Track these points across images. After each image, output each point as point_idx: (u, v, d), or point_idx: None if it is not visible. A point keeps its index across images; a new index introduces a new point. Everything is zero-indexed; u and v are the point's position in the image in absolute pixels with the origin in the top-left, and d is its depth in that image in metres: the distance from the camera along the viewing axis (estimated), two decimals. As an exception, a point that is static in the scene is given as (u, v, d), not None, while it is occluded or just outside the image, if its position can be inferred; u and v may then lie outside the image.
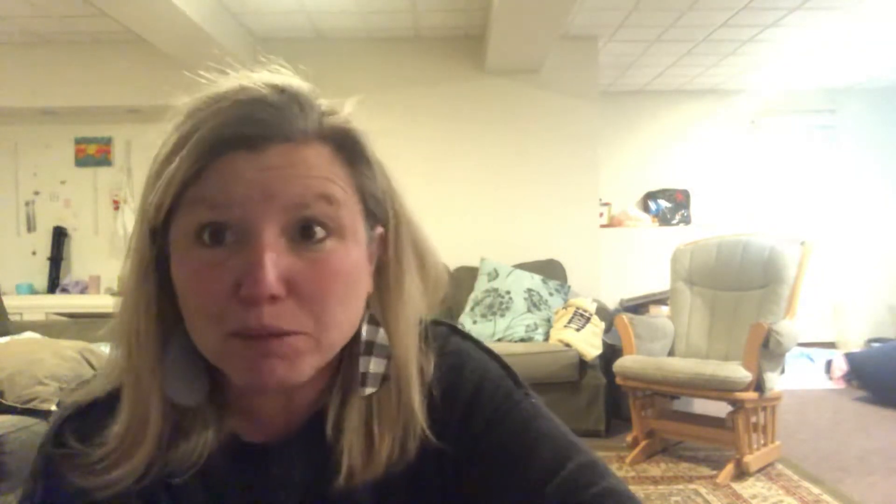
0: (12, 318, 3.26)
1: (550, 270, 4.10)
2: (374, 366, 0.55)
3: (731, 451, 2.82)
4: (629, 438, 3.05)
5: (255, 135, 0.47)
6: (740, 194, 5.90)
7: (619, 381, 3.01)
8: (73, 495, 0.53)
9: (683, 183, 5.90)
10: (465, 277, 4.10)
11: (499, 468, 0.54)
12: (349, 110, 0.54)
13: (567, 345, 3.38)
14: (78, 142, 4.80)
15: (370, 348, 0.55)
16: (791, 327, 2.85)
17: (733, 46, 4.72)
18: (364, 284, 0.54)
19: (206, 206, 0.47)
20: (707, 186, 5.89)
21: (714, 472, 2.78)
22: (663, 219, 5.80)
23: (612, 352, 3.33)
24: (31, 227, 4.82)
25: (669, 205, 5.85)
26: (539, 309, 3.79)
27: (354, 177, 0.52)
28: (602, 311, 3.68)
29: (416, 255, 0.58)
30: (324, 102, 0.52)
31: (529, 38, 3.90)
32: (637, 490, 2.61)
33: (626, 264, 5.32)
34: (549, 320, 3.74)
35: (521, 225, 4.48)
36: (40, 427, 2.11)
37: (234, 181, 0.47)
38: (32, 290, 4.68)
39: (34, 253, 4.80)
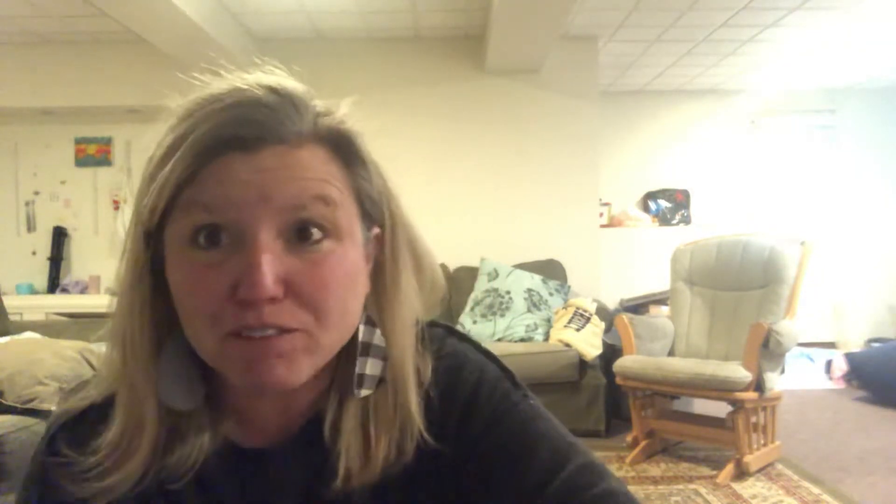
0: (12, 318, 3.26)
1: (550, 270, 4.10)
2: (371, 367, 0.55)
3: (731, 451, 2.82)
4: (629, 438, 3.05)
5: (250, 136, 0.47)
6: (740, 194, 5.90)
7: (619, 381, 3.01)
8: (69, 503, 0.52)
9: (683, 183, 5.90)
10: (465, 277, 4.10)
11: (497, 470, 0.54)
12: (345, 111, 0.53)
13: (567, 345, 3.38)
14: (78, 142, 4.80)
15: (367, 349, 0.55)
16: (791, 327, 2.85)
17: (733, 46, 4.72)
18: (362, 285, 0.54)
19: (201, 209, 0.47)
20: (707, 186, 5.89)
21: (714, 472, 2.78)
22: (663, 219, 5.80)
23: (612, 352, 3.33)
24: (31, 227, 4.82)
25: (669, 205, 5.85)
26: (539, 309, 3.79)
27: (350, 178, 0.52)
28: (602, 311, 3.68)
29: (412, 255, 0.58)
30: (319, 103, 0.52)
31: (529, 38, 3.90)
32: (637, 490, 2.61)
33: (626, 264, 5.32)
34: (549, 320, 3.74)
35: (521, 225, 4.48)
36: (40, 427, 2.11)
37: (229, 183, 0.47)
38: (32, 290, 4.68)
39: (34, 253, 4.80)
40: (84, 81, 4.44)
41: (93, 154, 4.80)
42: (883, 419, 3.65)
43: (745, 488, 2.62)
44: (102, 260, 4.71)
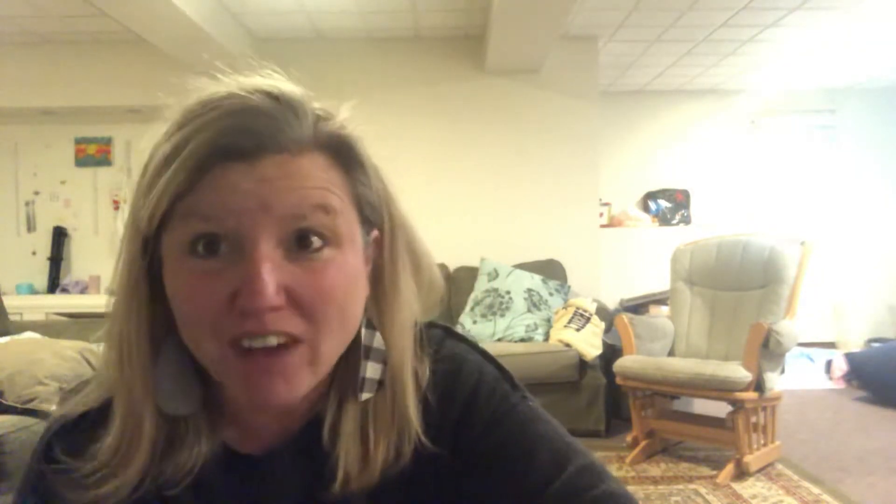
0: (12, 318, 3.25)
1: (550, 270, 4.10)
2: (371, 371, 0.54)
3: (731, 451, 2.82)
4: (629, 438, 3.05)
5: (249, 146, 0.46)
6: (740, 194, 5.90)
7: (619, 381, 3.01)
8: None
9: (683, 183, 5.90)
10: (465, 277, 4.10)
11: (497, 472, 0.54)
12: (345, 115, 0.53)
13: (567, 345, 3.38)
14: (78, 142, 4.80)
15: (367, 353, 0.54)
16: (791, 327, 2.85)
17: (733, 46, 4.72)
18: (362, 290, 0.53)
19: (200, 218, 0.46)
20: (707, 186, 5.89)
21: (714, 472, 2.78)
22: (663, 219, 5.80)
23: (612, 352, 3.33)
24: (31, 227, 4.82)
25: (669, 205, 5.85)
26: (539, 309, 3.79)
27: (350, 184, 0.51)
28: (602, 311, 3.68)
29: (410, 257, 0.57)
30: (318, 107, 0.51)
31: (529, 38, 3.89)
32: (637, 490, 2.61)
33: (626, 264, 5.32)
34: (549, 320, 3.74)
35: (521, 225, 4.48)
36: (40, 427, 2.11)
37: (228, 193, 0.46)
38: (32, 290, 4.68)
39: (34, 253, 4.79)
40: (84, 81, 4.44)
41: (93, 154, 4.80)
42: (883, 419, 3.65)
43: (745, 488, 2.62)
44: (102, 260, 4.71)
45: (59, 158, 4.80)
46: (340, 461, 0.53)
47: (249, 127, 0.47)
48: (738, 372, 2.67)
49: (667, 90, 5.81)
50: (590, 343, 3.38)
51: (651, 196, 5.90)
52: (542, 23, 3.64)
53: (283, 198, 0.47)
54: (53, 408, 2.18)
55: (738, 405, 2.70)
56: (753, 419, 2.79)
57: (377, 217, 0.55)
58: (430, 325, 0.62)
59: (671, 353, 3.26)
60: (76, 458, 0.53)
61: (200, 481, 0.54)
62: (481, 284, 3.96)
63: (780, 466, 2.86)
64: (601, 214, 5.25)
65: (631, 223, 5.61)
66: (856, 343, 5.63)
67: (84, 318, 3.42)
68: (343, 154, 0.51)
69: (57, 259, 4.73)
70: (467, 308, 3.91)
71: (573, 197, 4.50)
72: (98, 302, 4.33)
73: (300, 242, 0.48)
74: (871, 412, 3.81)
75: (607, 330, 3.50)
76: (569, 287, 4.03)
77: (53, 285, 4.69)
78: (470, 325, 3.80)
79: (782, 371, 2.91)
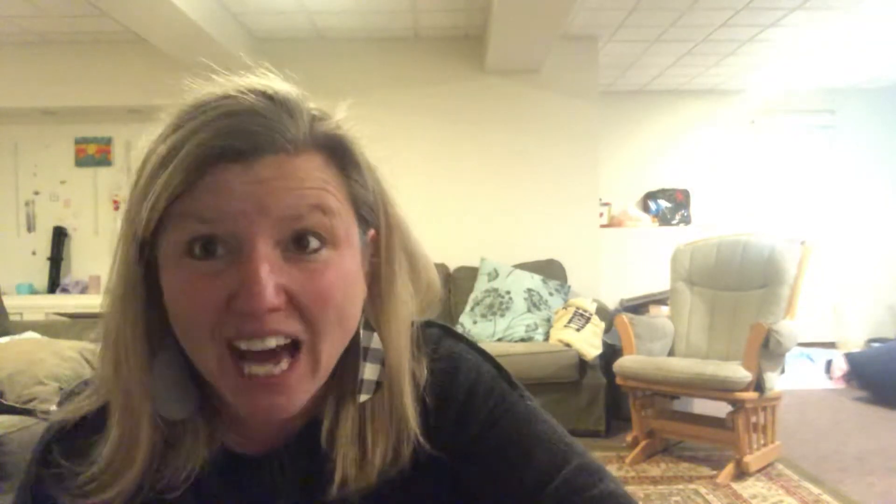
0: (12, 318, 3.26)
1: (550, 270, 4.10)
2: (369, 372, 0.54)
3: (731, 451, 2.82)
4: (629, 438, 3.05)
5: (245, 147, 0.46)
6: (740, 194, 5.90)
7: (619, 381, 3.01)
8: None
9: (683, 183, 5.91)
10: (465, 277, 4.10)
11: (495, 472, 0.54)
12: (341, 115, 0.53)
13: (567, 345, 3.38)
14: (78, 142, 4.80)
15: (365, 354, 0.54)
16: (791, 327, 2.85)
17: (733, 46, 4.72)
18: (359, 291, 0.53)
19: (196, 221, 0.46)
20: (707, 186, 5.89)
21: (714, 472, 2.78)
22: (663, 219, 5.80)
23: (612, 352, 3.33)
24: (31, 227, 4.82)
25: (669, 205, 5.85)
26: (539, 309, 3.79)
27: (347, 183, 0.51)
28: (602, 311, 3.68)
29: (407, 257, 0.57)
30: (314, 107, 0.51)
31: (529, 38, 3.89)
32: (637, 490, 2.61)
33: (626, 264, 5.32)
34: (549, 320, 3.74)
35: (521, 225, 4.48)
36: (40, 427, 2.11)
37: (225, 195, 0.46)
38: (32, 290, 4.68)
39: (34, 253, 4.79)
40: (84, 81, 4.44)
41: (93, 154, 4.80)
42: (883, 419, 3.65)
43: (745, 488, 2.62)
44: (102, 260, 4.71)
45: (59, 158, 4.80)
46: (338, 463, 0.52)
47: (245, 128, 0.46)
48: (738, 372, 2.67)
49: (667, 90, 5.81)
50: (590, 343, 3.38)
51: (651, 196, 5.90)
52: (542, 23, 3.64)
53: (280, 199, 0.46)
54: (53, 408, 2.17)
55: (738, 405, 2.70)
56: (753, 419, 2.79)
57: (374, 217, 0.54)
58: (428, 324, 0.61)
59: (671, 353, 3.26)
60: (74, 462, 0.52)
61: (200, 484, 0.54)
62: (481, 284, 3.96)
63: (780, 466, 2.86)
64: (601, 214, 5.25)
65: (631, 223, 5.61)
66: (856, 343, 5.63)
67: (84, 318, 3.42)
68: (339, 154, 0.51)
69: (57, 259, 4.73)
70: (467, 308, 3.91)
71: (573, 197, 4.50)
72: (98, 302, 4.31)
73: (298, 243, 0.48)
74: (871, 412, 3.81)
75: (607, 330, 3.50)
76: (569, 287, 4.03)
77: (53, 285, 4.69)
78: (470, 325, 3.80)
79: (782, 371, 2.91)
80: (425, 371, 0.57)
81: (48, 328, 3.01)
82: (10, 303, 3.51)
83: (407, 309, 0.56)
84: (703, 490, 2.61)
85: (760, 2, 3.90)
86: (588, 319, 3.50)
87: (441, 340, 0.60)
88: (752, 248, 3.17)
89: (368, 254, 0.55)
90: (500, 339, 3.67)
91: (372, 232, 0.55)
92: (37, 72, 4.45)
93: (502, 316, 3.76)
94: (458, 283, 4.10)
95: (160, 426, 0.52)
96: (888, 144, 5.97)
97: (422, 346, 0.59)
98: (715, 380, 2.69)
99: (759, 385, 2.72)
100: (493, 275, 3.96)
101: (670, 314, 3.40)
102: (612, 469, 2.85)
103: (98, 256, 4.76)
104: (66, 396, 0.60)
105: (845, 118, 5.95)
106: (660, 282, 4.29)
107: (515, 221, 4.48)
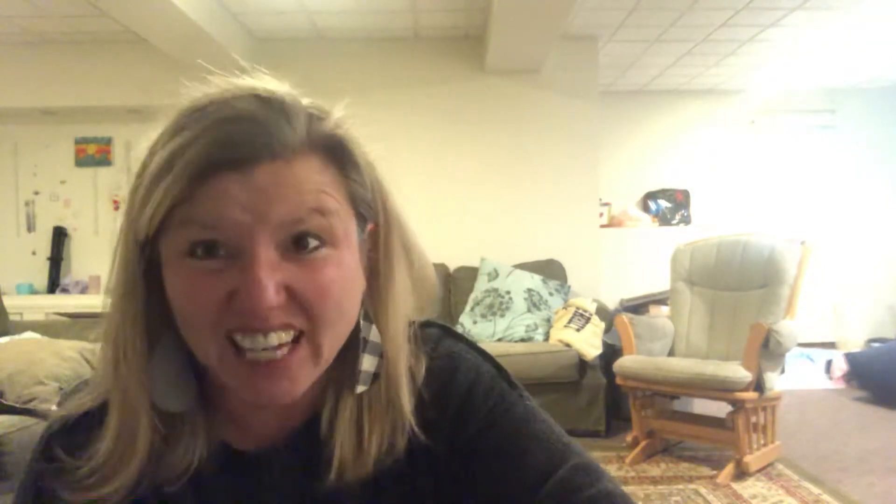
0: (12, 318, 3.25)
1: (550, 270, 4.10)
2: (367, 363, 0.55)
3: (731, 451, 2.82)
4: (629, 438, 3.05)
5: (242, 157, 0.47)
6: (740, 194, 5.90)
7: (619, 381, 3.01)
8: None
9: (683, 183, 5.90)
10: (465, 277, 4.10)
11: (492, 470, 0.54)
12: (339, 115, 0.53)
13: (567, 345, 3.38)
14: (78, 142, 4.80)
15: (364, 345, 0.55)
16: (791, 327, 2.85)
17: (733, 46, 4.72)
18: (358, 285, 0.54)
19: (198, 226, 0.47)
20: (707, 186, 5.89)
21: (714, 472, 2.78)
22: (663, 219, 5.80)
23: (612, 352, 3.33)
24: (31, 227, 4.82)
25: (669, 205, 5.85)
26: (539, 309, 3.79)
27: (345, 183, 0.52)
28: (602, 311, 3.68)
29: (405, 252, 0.58)
30: (311, 107, 0.52)
31: (529, 38, 3.89)
32: (637, 490, 2.61)
33: (626, 264, 5.32)
34: (549, 320, 3.74)
35: (521, 225, 4.48)
36: (40, 427, 2.11)
37: (224, 203, 0.46)
38: (32, 290, 4.68)
39: (34, 253, 4.79)
40: (84, 81, 4.44)
41: (93, 154, 4.80)
42: (883, 419, 3.65)
43: (745, 488, 2.62)
44: (102, 260, 4.71)
45: (59, 158, 4.80)
46: (336, 450, 0.53)
47: (242, 137, 0.47)
48: (738, 372, 2.67)
49: (667, 90, 5.81)
50: (590, 343, 3.38)
51: (651, 196, 5.90)
52: (542, 23, 3.64)
53: (279, 206, 0.47)
54: (53, 408, 2.18)
55: (738, 405, 2.70)
56: (753, 419, 2.79)
57: (372, 213, 0.55)
58: (428, 324, 0.62)
59: (671, 353, 3.26)
60: (74, 457, 0.53)
61: (199, 479, 0.54)
62: (481, 284, 3.96)
63: (780, 466, 2.86)
64: (601, 214, 5.25)
65: (631, 223, 5.61)
66: (856, 343, 5.62)
67: (84, 318, 3.42)
68: (338, 154, 0.52)
69: (57, 259, 4.73)
70: (467, 308, 3.91)
71: (573, 197, 4.50)
72: (98, 302, 4.30)
73: (297, 244, 0.49)
74: (871, 412, 3.81)
75: (607, 330, 3.51)
76: (569, 287, 4.03)
77: (53, 285, 4.69)
78: (470, 325, 3.80)
79: (782, 371, 2.91)
80: (423, 368, 0.58)
81: (48, 328, 3.01)
82: (10, 303, 3.51)
83: (405, 302, 0.57)
84: (703, 490, 2.61)
85: (760, 2, 3.90)
86: (588, 319, 3.50)
87: (441, 340, 0.61)
88: (752, 248, 3.17)
89: (366, 248, 0.56)
90: (500, 339, 3.67)
91: (370, 226, 0.56)
92: (37, 72, 4.45)
93: (502, 316, 3.76)
94: (458, 283, 4.11)
95: (158, 420, 0.52)
96: (888, 144, 5.97)
97: (420, 345, 0.59)
98: (715, 380, 2.69)
99: (759, 385, 2.72)
100: (493, 275, 3.96)
101: (670, 314, 3.40)
102: (612, 469, 2.85)
103: (98, 256, 4.76)
104: (67, 396, 0.61)
105: (845, 118, 5.95)
106: (660, 282, 4.29)
107: (515, 221, 4.48)
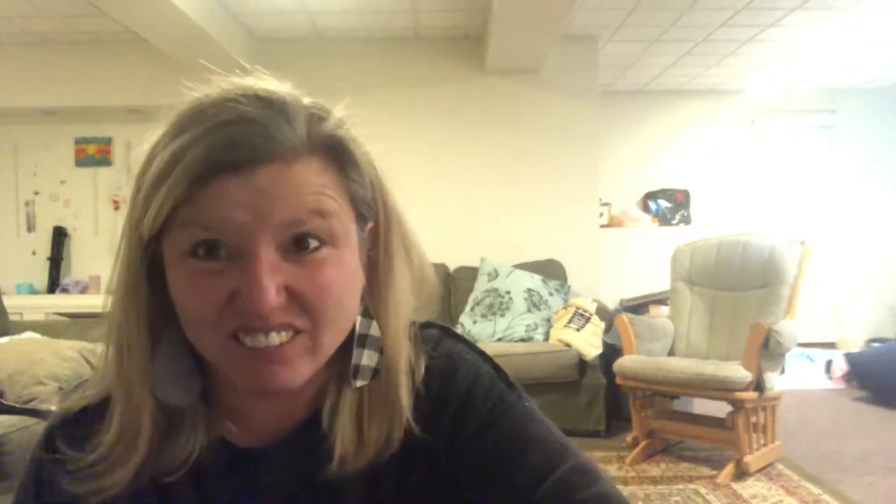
0: (12, 318, 3.25)
1: (550, 270, 4.10)
2: (367, 359, 0.56)
3: (731, 451, 2.82)
4: (629, 438, 3.05)
5: (243, 159, 0.47)
6: (740, 194, 5.90)
7: (619, 381, 3.01)
8: (64, 502, 0.53)
9: (683, 183, 5.91)
10: (465, 277, 4.10)
11: (490, 470, 0.55)
12: (339, 115, 0.53)
13: (567, 345, 3.38)
14: (78, 142, 4.80)
15: (363, 341, 0.56)
16: (791, 327, 2.85)
17: (733, 46, 4.72)
18: (358, 283, 0.54)
19: (200, 227, 0.48)
20: (707, 186, 5.89)
21: (714, 472, 2.78)
22: (663, 219, 5.80)
23: (612, 352, 3.33)
24: (31, 227, 4.82)
25: (669, 205, 5.85)
26: (539, 309, 3.79)
27: (345, 183, 0.52)
28: (602, 311, 3.68)
29: (404, 250, 0.58)
30: (312, 106, 0.52)
31: (529, 38, 3.89)
32: (637, 490, 2.61)
33: (626, 264, 5.32)
34: (549, 320, 3.74)
35: (521, 225, 4.48)
36: (40, 427, 2.11)
37: (226, 205, 0.47)
38: (32, 290, 4.68)
39: (34, 253, 4.79)
40: (84, 81, 4.44)
41: (93, 154, 4.80)
42: (883, 419, 3.65)
43: (745, 488, 2.62)
44: (102, 260, 4.71)
45: (59, 158, 4.80)
46: (337, 444, 0.54)
47: (242, 139, 0.47)
48: (738, 372, 2.67)
49: (667, 90, 5.81)
50: (590, 343, 3.38)
51: (651, 196, 5.90)
52: (542, 23, 3.64)
53: (280, 207, 0.48)
54: (53, 408, 2.18)
55: (738, 405, 2.70)
56: (753, 419, 2.79)
57: (372, 212, 0.56)
58: (428, 325, 0.63)
59: (671, 353, 3.26)
60: (77, 449, 0.54)
61: (199, 474, 0.55)
62: (481, 284, 3.96)
63: (780, 466, 2.86)
64: (601, 214, 5.25)
65: (631, 223, 5.61)
66: (856, 343, 5.63)
67: (84, 318, 3.42)
68: (338, 155, 0.52)
69: (57, 259, 4.73)
70: (467, 308, 3.91)
71: (573, 197, 4.50)
72: (98, 302, 4.30)
73: (297, 245, 0.49)
74: (871, 412, 3.81)
75: (607, 330, 3.50)
76: (569, 287, 4.03)
77: (53, 285, 4.69)
78: (470, 325, 3.80)
79: (782, 371, 2.91)
80: (423, 367, 0.58)
81: (48, 328, 3.01)
82: (10, 303, 3.51)
83: (405, 300, 0.58)
84: (703, 490, 2.61)
85: (760, 2, 3.90)
86: (588, 319, 3.50)
87: (441, 340, 0.61)
88: (752, 248, 3.17)
89: (366, 247, 0.56)
90: (500, 339, 3.67)
91: (370, 225, 0.56)
92: (37, 72, 4.45)
93: (502, 316, 3.76)
94: (458, 283, 4.11)
95: (160, 413, 0.53)
96: (888, 144, 5.97)
97: (420, 345, 0.60)
98: (715, 380, 2.69)
99: (759, 385, 2.72)
100: (493, 275, 3.96)
101: (670, 314, 3.40)
102: (612, 469, 2.85)
103: (98, 256, 4.76)
104: (67, 396, 0.62)
105: (845, 118, 5.95)
106: (660, 282, 4.29)
107: (515, 221, 4.48)
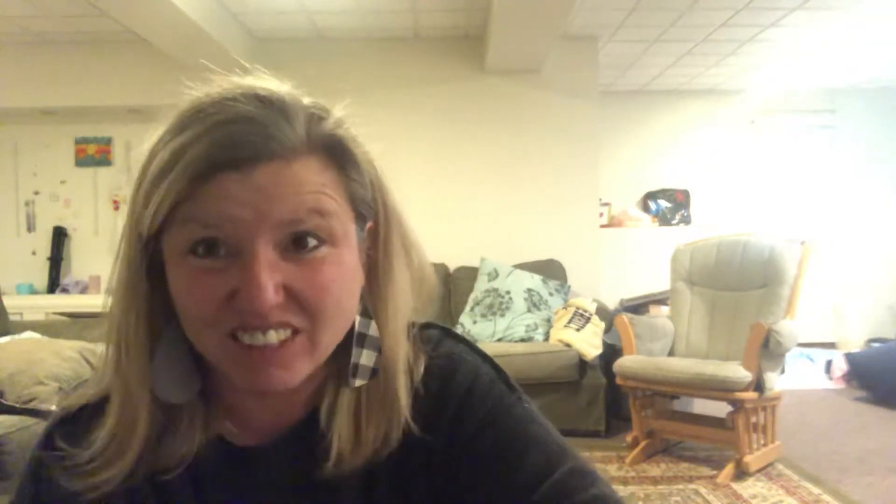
0: (12, 318, 3.25)
1: (550, 270, 4.10)
2: (366, 358, 0.56)
3: (731, 451, 2.82)
4: (629, 438, 3.05)
5: (243, 157, 0.47)
6: (740, 194, 5.90)
7: (619, 381, 3.01)
8: (62, 498, 0.53)
9: (683, 183, 5.91)
10: (465, 277, 4.10)
11: (489, 471, 0.55)
12: (338, 115, 0.53)
13: (567, 345, 3.38)
14: (78, 142, 4.80)
15: (362, 340, 0.56)
16: (791, 327, 2.85)
17: (733, 46, 4.72)
18: (357, 282, 0.55)
19: (200, 225, 0.48)
20: (707, 186, 5.89)
21: (714, 472, 2.78)
22: (663, 219, 5.80)
23: (612, 352, 3.33)
24: (31, 227, 4.82)
25: (669, 205, 5.85)
26: (539, 309, 3.79)
27: (345, 183, 0.52)
28: (602, 311, 3.68)
29: (404, 249, 0.59)
30: (311, 105, 0.52)
31: (529, 38, 3.89)
32: (637, 490, 2.61)
33: (626, 264, 5.32)
34: (549, 320, 3.74)
35: (521, 225, 4.48)
36: (40, 427, 2.11)
37: (225, 202, 0.47)
38: (32, 290, 4.68)
39: (34, 253, 4.79)
40: (84, 81, 4.44)
41: (93, 154, 4.80)
42: (883, 419, 3.65)
43: (745, 488, 2.62)
44: (102, 260, 4.71)
45: (59, 158, 4.80)
46: (334, 442, 0.54)
47: (242, 137, 0.48)
48: (738, 372, 2.67)
49: (667, 90, 5.81)
50: (590, 343, 3.38)
51: (651, 196, 5.90)
52: (542, 23, 3.64)
53: (279, 205, 0.48)
54: (53, 408, 2.18)
55: (738, 405, 2.70)
56: (753, 419, 2.79)
57: (372, 211, 0.56)
58: (429, 326, 0.63)
59: (671, 353, 3.26)
60: (74, 446, 0.54)
61: (197, 472, 0.55)
62: (481, 284, 3.96)
63: (780, 466, 2.86)
64: (601, 214, 5.25)
65: (631, 223, 5.61)
66: (856, 343, 5.63)
67: (84, 318, 3.42)
68: (337, 155, 0.52)
69: (57, 259, 4.73)
70: (467, 308, 3.91)
71: (573, 197, 4.50)
72: (98, 302, 4.30)
73: (296, 244, 0.49)
74: (871, 412, 3.81)
75: (607, 330, 3.50)
76: (569, 287, 4.03)
77: (53, 285, 4.69)
78: (470, 325, 3.80)
79: (782, 371, 2.91)
80: (422, 366, 0.58)
81: (48, 328, 3.01)
82: (10, 303, 3.51)
83: (404, 299, 0.58)
84: (703, 490, 2.61)
85: (760, 2, 3.90)
86: (588, 319, 3.50)
87: (441, 341, 0.61)
88: (752, 248, 3.17)
89: (366, 246, 0.56)
90: (500, 339, 3.67)
91: (370, 224, 0.56)
92: (37, 72, 4.45)
93: (502, 316, 3.76)
94: (458, 283, 4.11)
95: (158, 411, 0.53)
96: (888, 144, 5.97)
97: (419, 345, 0.60)
98: (715, 380, 2.69)
99: (759, 385, 2.72)
100: (493, 275, 3.96)
101: (670, 314, 3.40)
102: (612, 469, 2.85)
103: (98, 256, 4.76)
104: (67, 397, 0.62)
105: (845, 118, 5.95)
106: (660, 282, 4.29)
107: (515, 221, 4.48)
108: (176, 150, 0.48)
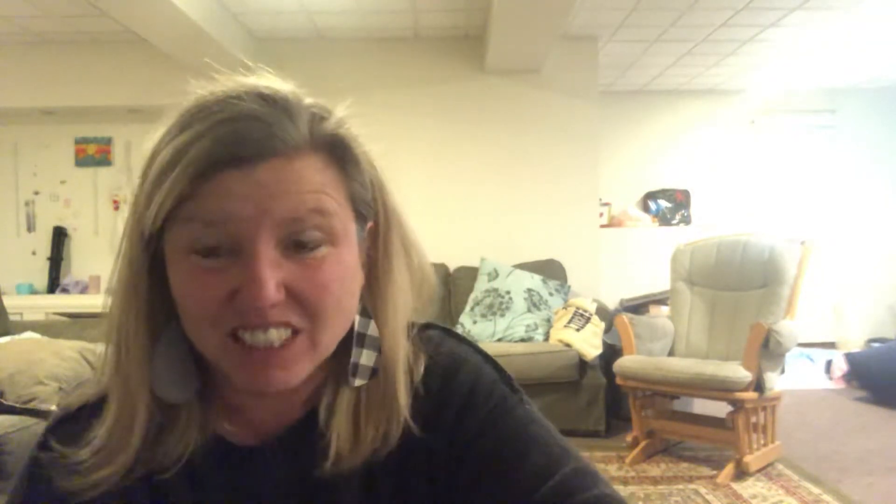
0: (12, 318, 3.25)
1: (550, 270, 4.10)
2: (366, 358, 0.56)
3: (731, 451, 2.82)
4: (629, 438, 3.05)
5: (245, 154, 0.48)
6: (740, 194, 5.91)
7: (619, 381, 3.01)
8: (58, 498, 0.53)
9: (683, 183, 5.91)
10: (465, 277, 4.10)
11: (490, 472, 0.55)
12: (340, 115, 0.54)
13: (567, 345, 3.38)
14: (78, 142, 4.80)
15: (362, 340, 0.56)
16: (791, 327, 2.85)
17: (733, 46, 4.72)
18: (357, 282, 0.55)
19: (201, 223, 0.48)
20: (707, 186, 5.89)
21: (714, 472, 2.78)
22: (663, 219, 5.80)
23: (612, 352, 3.33)
24: (31, 227, 4.82)
25: (669, 205, 5.85)
26: (539, 309, 3.79)
27: (346, 182, 0.53)
28: (602, 311, 3.68)
29: (404, 249, 0.59)
30: (313, 106, 0.52)
31: (529, 38, 3.89)
32: (637, 490, 2.61)
33: (626, 264, 5.32)
34: (549, 320, 3.74)
35: (521, 225, 4.48)
36: (40, 427, 2.11)
37: (227, 200, 0.47)
38: (32, 290, 4.68)
39: (34, 253, 4.79)
40: (84, 81, 4.44)
41: (93, 154, 4.80)
42: (883, 419, 3.65)
43: (745, 488, 2.62)
44: (102, 260, 4.71)
45: (59, 158, 4.80)
46: (333, 441, 0.54)
47: (245, 135, 0.48)
48: (738, 372, 2.67)
49: (667, 90, 5.81)
50: (590, 343, 3.38)
51: (651, 196, 5.90)
52: (542, 23, 3.64)
53: (280, 203, 0.48)
54: (53, 408, 2.18)
55: (738, 405, 2.70)
56: (753, 419, 2.79)
57: (372, 211, 0.56)
58: (429, 326, 0.63)
59: (671, 353, 3.26)
60: (72, 446, 0.54)
61: (194, 471, 0.55)
62: (481, 284, 3.96)
63: (780, 466, 2.86)
64: (601, 214, 5.25)
65: (631, 223, 5.61)
66: (856, 343, 5.63)
67: (84, 318, 3.42)
68: (338, 154, 0.52)
69: (57, 259, 4.73)
70: (467, 308, 3.91)
71: (573, 197, 4.50)
72: (98, 302, 4.30)
73: (297, 243, 0.49)
74: (871, 412, 3.81)
75: (607, 330, 3.50)
76: (569, 287, 4.03)
77: (53, 285, 4.69)
78: (470, 325, 3.80)
79: (782, 371, 2.91)
80: (422, 366, 0.58)
81: (48, 328, 3.01)
82: (10, 303, 3.50)
83: (404, 299, 0.58)
84: (703, 490, 2.61)
85: (760, 2, 3.90)
86: (588, 319, 3.50)
87: (443, 341, 0.62)
88: (752, 248, 3.17)
89: (366, 245, 0.57)
90: (500, 339, 3.67)
91: (370, 224, 0.56)
92: (37, 72, 4.45)
93: (502, 316, 3.76)
94: (458, 283, 4.10)
95: (156, 409, 0.53)
96: (888, 144, 5.97)
97: (419, 345, 0.60)
98: (715, 380, 2.69)
99: (759, 385, 2.72)
100: (493, 275, 3.96)
101: (670, 314, 3.40)
102: (612, 469, 2.85)
103: (98, 256, 4.76)
104: (68, 396, 0.62)
105: (845, 118, 5.95)
106: (660, 282, 4.29)
107: (515, 221, 4.48)
108: (178, 149, 0.48)
